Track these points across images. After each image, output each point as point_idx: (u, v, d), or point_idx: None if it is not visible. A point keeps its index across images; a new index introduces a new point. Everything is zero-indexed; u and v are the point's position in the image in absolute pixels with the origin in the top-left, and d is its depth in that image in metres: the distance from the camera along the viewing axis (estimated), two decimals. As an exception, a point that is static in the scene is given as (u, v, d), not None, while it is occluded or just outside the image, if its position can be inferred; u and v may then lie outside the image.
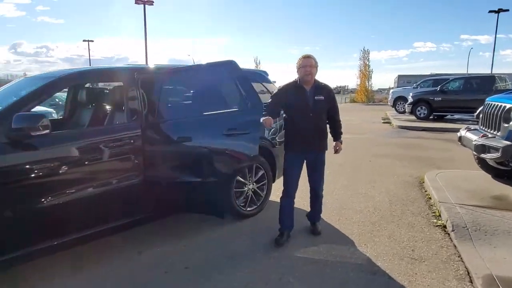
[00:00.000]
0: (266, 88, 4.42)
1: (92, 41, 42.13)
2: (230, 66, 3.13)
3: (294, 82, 3.24)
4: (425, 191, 4.89)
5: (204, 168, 3.17)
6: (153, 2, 26.52)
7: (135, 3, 25.96)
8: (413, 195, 4.75)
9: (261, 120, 3.05)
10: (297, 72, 3.19)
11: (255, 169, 4.00)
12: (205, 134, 3.15)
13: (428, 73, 47.48)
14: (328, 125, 3.43)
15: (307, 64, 3.11)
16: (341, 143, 3.45)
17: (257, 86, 4.35)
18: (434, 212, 4.06)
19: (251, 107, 3.26)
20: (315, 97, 3.19)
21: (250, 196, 3.99)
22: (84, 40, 41.75)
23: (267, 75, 4.65)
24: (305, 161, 3.36)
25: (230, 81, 3.20)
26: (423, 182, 5.23)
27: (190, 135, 3.10)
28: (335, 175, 5.75)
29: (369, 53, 34.80)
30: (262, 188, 4.12)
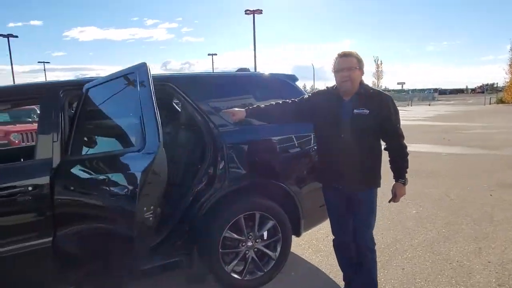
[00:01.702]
0: None
1: (215, 54, 45.90)
2: (137, 75, 1.93)
3: (331, 89, 2.35)
4: None
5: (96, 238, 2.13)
6: (261, 11, 26.72)
7: (245, 13, 26.63)
8: (552, 278, 2.67)
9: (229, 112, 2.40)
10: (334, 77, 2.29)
11: (259, 219, 2.73)
12: (96, 183, 2.09)
13: None
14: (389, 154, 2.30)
15: (345, 67, 2.16)
16: (404, 184, 2.26)
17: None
18: None
19: (145, 148, 1.93)
20: (355, 111, 2.17)
21: (250, 258, 2.73)
22: (209, 54, 45.70)
23: (295, 81, 3.17)
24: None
25: (134, 101, 1.98)
26: None
27: (93, 182, 2.10)
28: (422, 218, 3.91)
29: (523, 42, 28.12)
30: (273, 247, 2.81)
